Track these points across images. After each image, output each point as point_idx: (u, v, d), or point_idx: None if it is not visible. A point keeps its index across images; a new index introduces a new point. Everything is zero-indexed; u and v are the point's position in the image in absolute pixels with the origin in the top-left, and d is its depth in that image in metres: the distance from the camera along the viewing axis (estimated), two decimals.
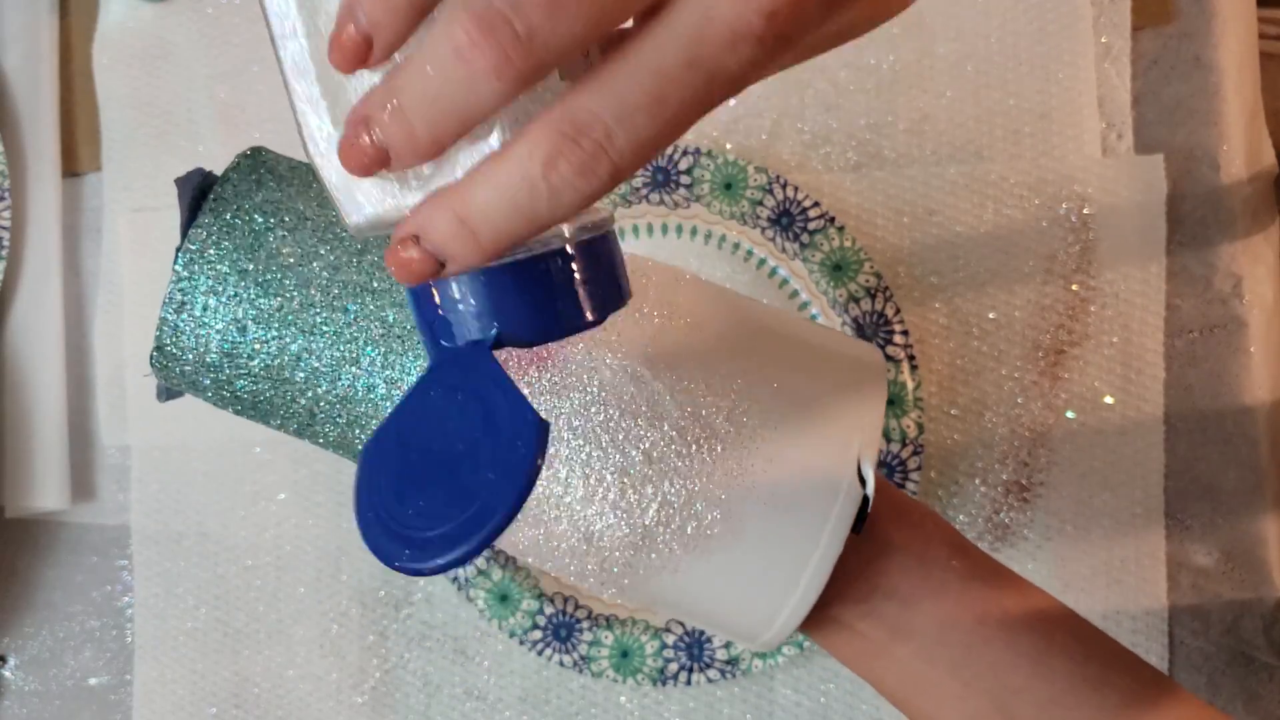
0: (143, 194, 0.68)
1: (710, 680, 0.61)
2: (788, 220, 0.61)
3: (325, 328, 0.37)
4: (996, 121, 0.63)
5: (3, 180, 0.66)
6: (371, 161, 0.25)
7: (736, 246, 0.62)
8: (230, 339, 0.37)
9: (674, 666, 0.61)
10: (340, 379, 0.37)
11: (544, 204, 0.24)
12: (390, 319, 0.37)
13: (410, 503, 0.28)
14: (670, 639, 0.61)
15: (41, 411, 0.67)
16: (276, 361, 0.37)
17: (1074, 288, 0.62)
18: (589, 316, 0.29)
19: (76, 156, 0.69)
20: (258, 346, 0.37)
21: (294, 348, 0.37)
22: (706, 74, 0.23)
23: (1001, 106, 0.63)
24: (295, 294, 0.37)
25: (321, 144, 0.27)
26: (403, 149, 0.25)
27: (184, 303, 0.37)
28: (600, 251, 0.29)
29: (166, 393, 0.41)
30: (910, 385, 0.60)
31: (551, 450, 0.36)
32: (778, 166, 0.63)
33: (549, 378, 0.36)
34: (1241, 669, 0.61)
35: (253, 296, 0.37)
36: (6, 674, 0.68)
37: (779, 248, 0.62)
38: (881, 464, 0.60)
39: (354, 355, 0.37)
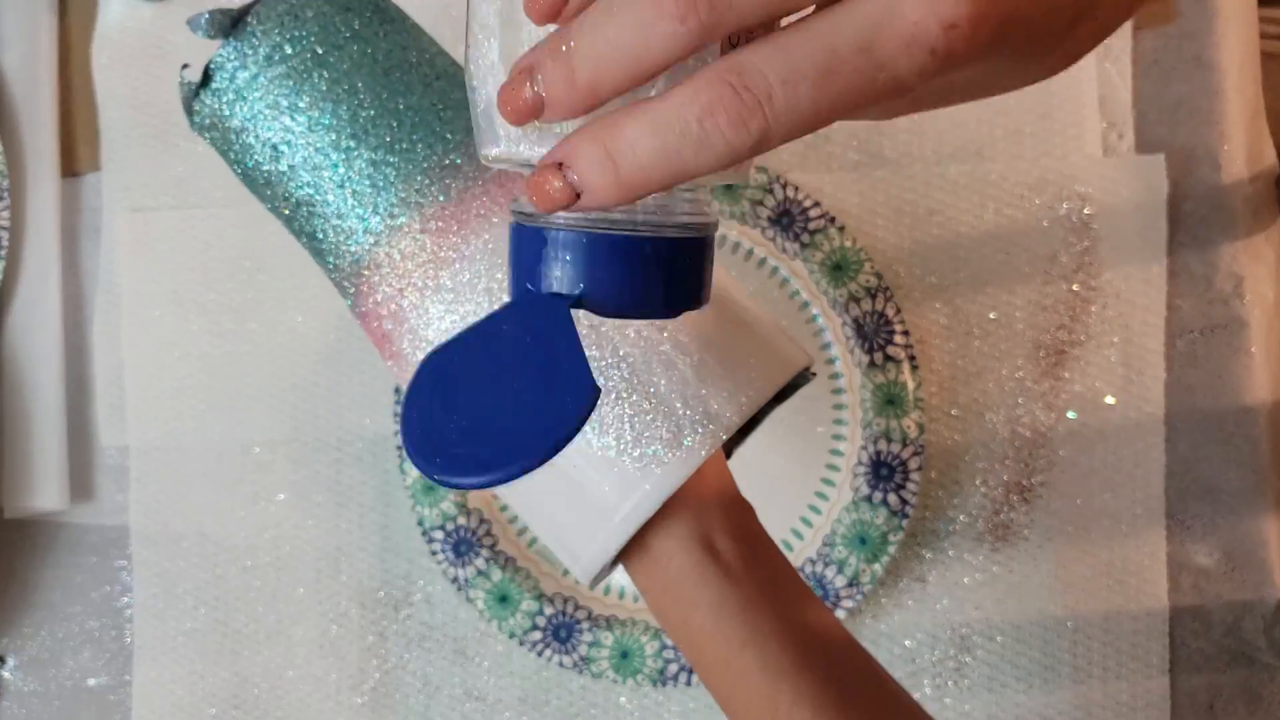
0: (142, 194, 0.68)
1: None
2: (788, 220, 0.61)
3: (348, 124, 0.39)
4: (997, 121, 0.63)
5: (2, 180, 0.66)
6: (527, 110, 0.26)
7: (736, 246, 0.62)
8: (265, 98, 0.40)
9: (674, 667, 0.61)
10: (324, 176, 0.40)
11: (690, 150, 0.25)
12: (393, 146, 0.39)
13: (454, 419, 0.30)
14: (671, 639, 0.61)
15: (40, 412, 0.67)
16: (292, 136, 0.40)
17: (1075, 288, 0.62)
18: (665, 308, 0.30)
19: (75, 156, 0.69)
20: (289, 115, 0.40)
21: (316, 134, 0.39)
22: (876, 65, 0.24)
23: (1002, 106, 0.62)
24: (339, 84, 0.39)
25: (483, 69, 0.28)
26: (559, 95, 0.26)
27: (241, 50, 0.39)
28: (696, 252, 0.30)
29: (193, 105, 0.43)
30: (911, 385, 0.60)
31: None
32: (778, 166, 0.63)
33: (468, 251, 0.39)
34: (1243, 670, 0.61)
35: (304, 68, 0.39)
36: (5, 674, 0.68)
37: (779, 248, 0.62)
38: (883, 464, 0.60)
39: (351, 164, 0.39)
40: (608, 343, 0.38)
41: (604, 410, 0.38)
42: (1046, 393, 0.62)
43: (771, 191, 0.61)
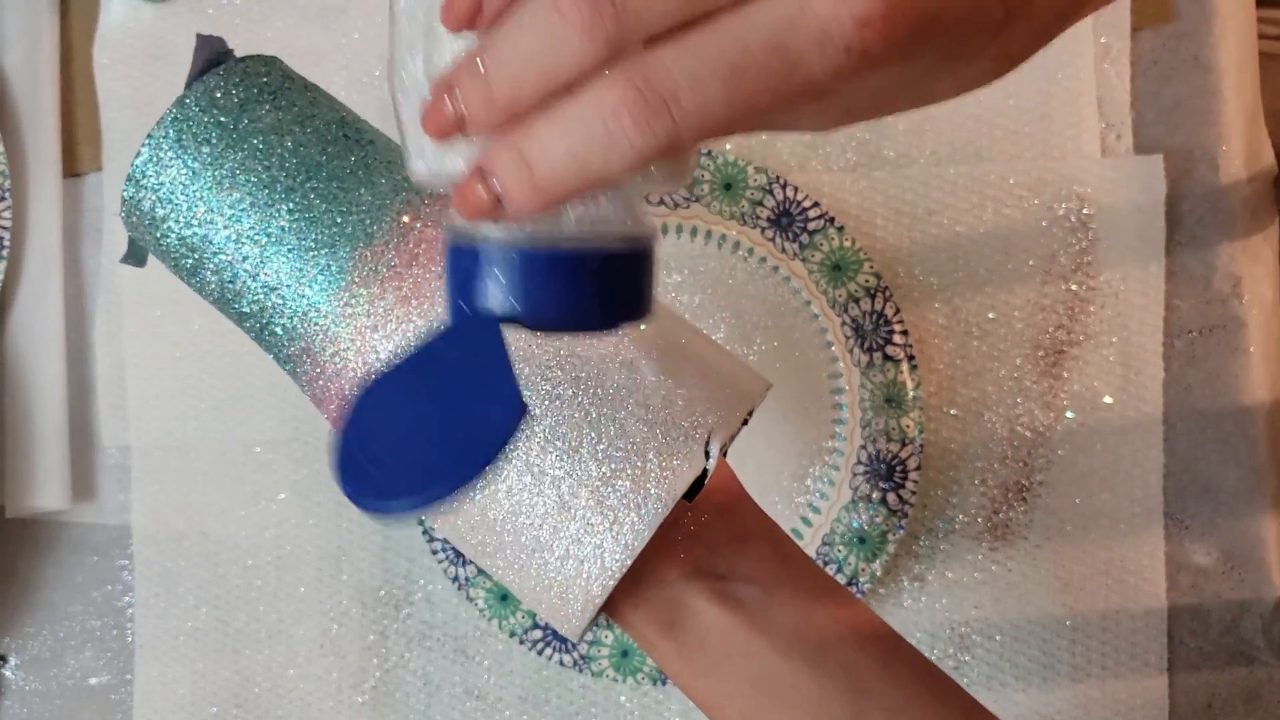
0: None
1: None
2: (787, 220, 0.61)
3: (253, 213, 0.40)
4: (996, 122, 0.63)
5: (3, 180, 0.66)
6: (449, 125, 0.26)
7: (737, 246, 0.62)
8: (181, 195, 0.40)
9: None
10: (248, 260, 0.40)
11: (598, 152, 0.24)
12: (310, 221, 0.40)
13: (385, 444, 0.30)
14: None
15: (42, 411, 0.67)
16: (205, 227, 0.40)
17: (1073, 288, 0.62)
18: (601, 322, 0.30)
19: (77, 156, 0.69)
20: (198, 209, 0.40)
21: (227, 218, 0.40)
22: (788, 63, 0.23)
23: (1001, 107, 0.63)
24: (247, 177, 0.40)
25: (407, 84, 0.29)
26: (478, 111, 0.26)
27: (157, 154, 0.40)
28: (632, 264, 0.30)
29: (130, 254, 0.45)
30: (910, 385, 0.60)
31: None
32: (777, 167, 0.63)
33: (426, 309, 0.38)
34: (1241, 669, 0.61)
35: (211, 170, 0.40)
36: (7, 673, 0.68)
37: (779, 248, 0.62)
38: (881, 463, 0.60)
39: (270, 247, 0.40)
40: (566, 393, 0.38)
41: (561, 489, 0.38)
42: (1045, 392, 0.62)
43: (771, 192, 0.61)
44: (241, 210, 0.40)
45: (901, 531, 0.60)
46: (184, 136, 0.40)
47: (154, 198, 0.41)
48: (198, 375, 0.67)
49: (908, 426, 0.60)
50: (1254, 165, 0.62)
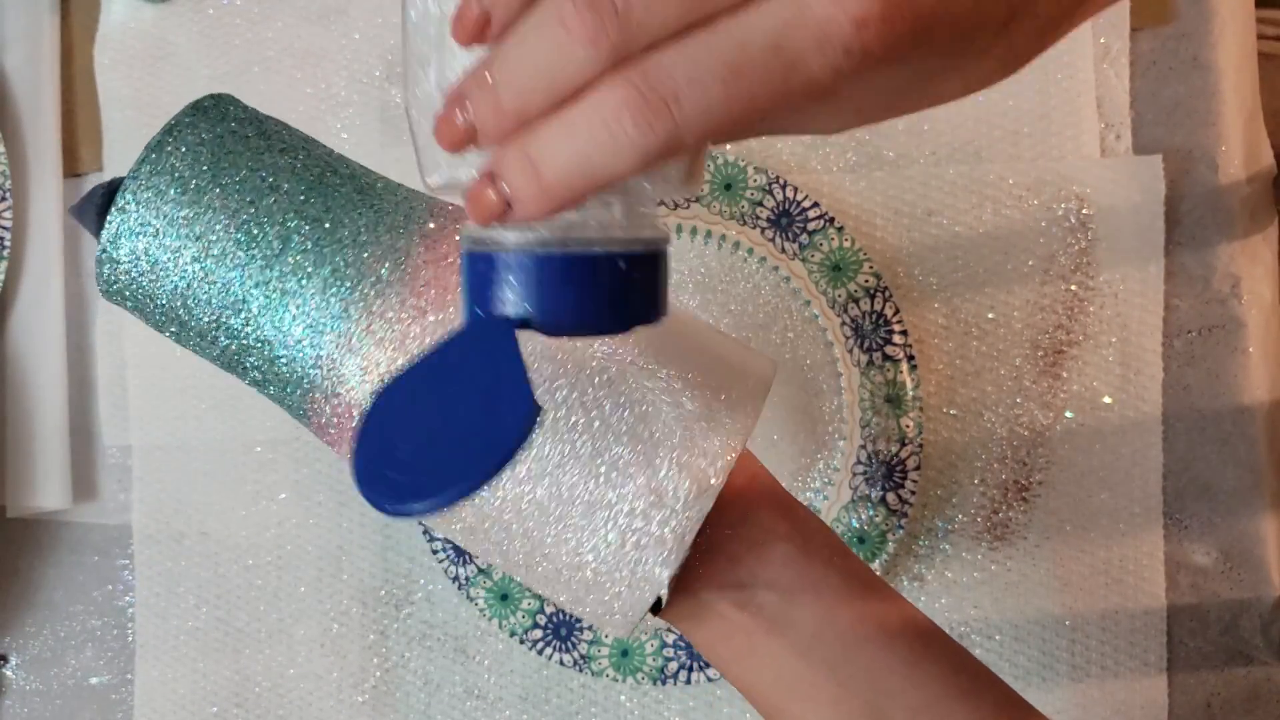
0: None
1: (710, 679, 0.61)
2: (787, 221, 0.62)
3: (231, 263, 0.39)
4: (995, 122, 0.63)
5: (4, 180, 0.66)
6: (461, 138, 0.27)
7: (737, 246, 0.62)
8: (151, 268, 0.40)
9: (674, 665, 0.61)
10: (238, 313, 0.40)
11: (601, 153, 0.25)
12: (285, 265, 0.39)
13: (402, 448, 0.30)
14: (670, 638, 0.61)
15: (43, 411, 0.67)
16: (189, 292, 0.40)
17: (1073, 288, 0.62)
18: (613, 324, 0.30)
19: (78, 157, 0.69)
20: (173, 277, 0.40)
21: (205, 280, 0.40)
22: (787, 64, 0.24)
23: (1000, 107, 0.63)
24: (211, 236, 0.39)
25: (420, 99, 0.29)
26: (488, 121, 0.26)
27: (117, 236, 0.40)
28: (645, 267, 0.30)
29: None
30: (909, 385, 0.60)
31: None
32: (777, 167, 0.63)
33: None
34: (1240, 668, 0.61)
35: (176, 236, 0.39)
36: (8, 673, 0.68)
37: (779, 248, 0.62)
38: (881, 463, 0.60)
39: (250, 295, 0.39)
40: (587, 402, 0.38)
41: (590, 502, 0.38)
42: (1044, 392, 0.62)
43: (771, 192, 0.62)
44: (180, 337, 0.41)
45: (901, 531, 0.60)
46: (112, 291, 0.41)
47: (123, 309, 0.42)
48: (198, 375, 0.67)
49: (907, 426, 0.60)
50: (1253, 165, 0.62)
